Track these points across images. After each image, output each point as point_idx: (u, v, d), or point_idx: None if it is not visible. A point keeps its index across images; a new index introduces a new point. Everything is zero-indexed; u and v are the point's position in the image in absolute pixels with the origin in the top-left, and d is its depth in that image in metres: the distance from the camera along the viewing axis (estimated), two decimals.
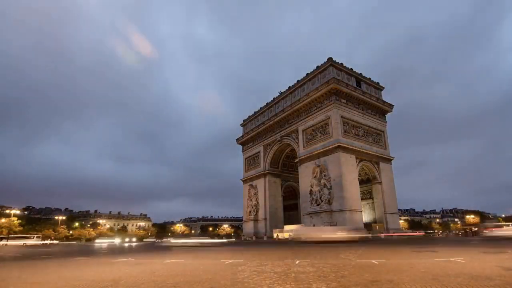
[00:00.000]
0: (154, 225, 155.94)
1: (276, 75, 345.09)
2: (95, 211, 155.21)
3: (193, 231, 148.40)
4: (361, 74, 62.90)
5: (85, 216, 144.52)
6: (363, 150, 56.51)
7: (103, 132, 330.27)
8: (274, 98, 75.14)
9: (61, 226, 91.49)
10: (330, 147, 53.81)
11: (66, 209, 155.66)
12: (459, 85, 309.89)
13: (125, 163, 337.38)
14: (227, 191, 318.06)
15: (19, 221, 77.73)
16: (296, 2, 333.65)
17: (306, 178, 58.27)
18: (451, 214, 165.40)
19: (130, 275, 9.67)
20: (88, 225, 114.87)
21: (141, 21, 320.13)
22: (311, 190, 56.09)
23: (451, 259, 12.52)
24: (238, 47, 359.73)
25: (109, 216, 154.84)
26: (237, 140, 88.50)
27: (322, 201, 53.25)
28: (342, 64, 59.76)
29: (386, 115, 65.51)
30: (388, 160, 61.55)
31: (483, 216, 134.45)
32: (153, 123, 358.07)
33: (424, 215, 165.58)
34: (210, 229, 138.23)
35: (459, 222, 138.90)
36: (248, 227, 76.52)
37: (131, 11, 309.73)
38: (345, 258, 13.58)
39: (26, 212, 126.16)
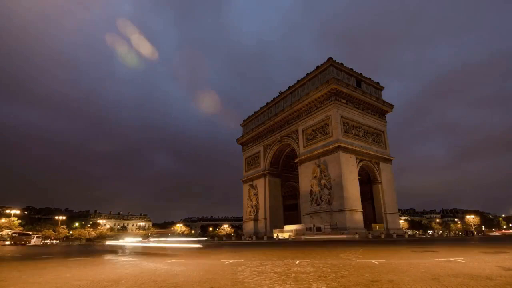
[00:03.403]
0: (154, 225, 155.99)
1: None
2: (95, 211, 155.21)
3: (193, 231, 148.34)
4: (361, 74, 62.91)
5: (85, 216, 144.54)
6: (363, 150, 56.52)
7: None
8: (274, 98, 75.13)
9: (61, 226, 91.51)
10: (330, 147, 53.81)
11: (66, 209, 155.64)
12: None
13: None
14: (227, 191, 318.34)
15: (19, 221, 77.81)
16: None
17: (306, 178, 58.27)
18: (451, 214, 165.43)
19: (131, 275, 9.67)
20: (88, 225, 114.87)
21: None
22: (311, 190, 56.09)
23: (451, 259, 12.52)
24: None
25: (109, 216, 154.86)
26: (237, 140, 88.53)
27: (322, 201, 53.26)
28: (342, 64, 59.77)
29: (386, 115, 65.55)
30: (388, 160, 61.57)
31: (483, 216, 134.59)
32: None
33: (424, 215, 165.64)
34: (210, 229, 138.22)
35: (459, 222, 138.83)
36: (248, 227, 76.52)
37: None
38: (345, 258, 13.59)
39: (26, 212, 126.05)
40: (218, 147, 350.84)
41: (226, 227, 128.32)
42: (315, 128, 59.12)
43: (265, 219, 71.37)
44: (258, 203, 74.92)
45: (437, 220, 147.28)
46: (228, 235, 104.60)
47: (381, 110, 63.98)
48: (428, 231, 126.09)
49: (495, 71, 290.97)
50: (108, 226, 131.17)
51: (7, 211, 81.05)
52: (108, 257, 19.26)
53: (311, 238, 45.33)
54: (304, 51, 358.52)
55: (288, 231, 56.90)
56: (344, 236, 43.19)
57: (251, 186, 77.92)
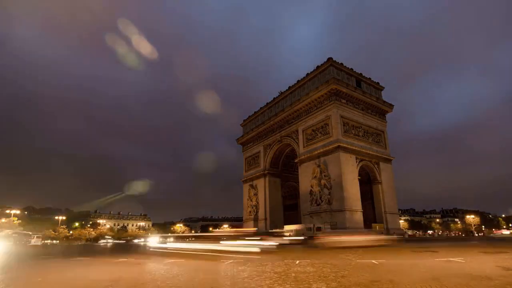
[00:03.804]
0: (154, 225, 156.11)
1: None
2: (95, 211, 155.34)
3: (193, 231, 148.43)
4: (361, 74, 62.88)
5: (85, 216, 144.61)
6: (363, 150, 56.50)
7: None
8: (274, 98, 75.14)
9: (61, 226, 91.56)
10: (330, 147, 53.81)
11: (66, 209, 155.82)
12: None
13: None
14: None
15: (19, 221, 77.90)
16: None
17: (306, 178, 58.28)
18: (451, 214, 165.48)
19: (130, 275, 9.67)
20: (88, 225, 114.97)
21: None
22: (311, 190, 56.10)
23: (451, 259, 12.53)
24: None
25: (109, 216, 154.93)
26: (237, 140, 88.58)
27: (322, 201, 53.27)
28: (342, 64, 59.77)
29: (386, 115, 65.58)
30: (388, 160, 61.56)
31: (483, 216, 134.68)
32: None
33: (424, 215, 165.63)
34: (210, 229, 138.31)
35: (459, 222, 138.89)
36: (248, 227, 76.56)
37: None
38: (345, 258, 13.59)
39: (26, 212, 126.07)
40: (218, 147, 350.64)
41: (226, 227, 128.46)
42: (315, 128, 59.12)
43: (265, 219, 71.43)
44: (258, 203, 74.95)
45: (437, 220, 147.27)
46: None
47: (381, 110, 63.98)
48: (428, 231, 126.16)
49: None
50: (108, 226, 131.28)
51: (7, 211, 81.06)
52: (108, 257, 19.20)
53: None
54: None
55: (288, 231, 56.83)
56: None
57: (251, 186, 77.97)
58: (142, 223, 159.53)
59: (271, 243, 21.84)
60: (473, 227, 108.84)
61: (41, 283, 8.30)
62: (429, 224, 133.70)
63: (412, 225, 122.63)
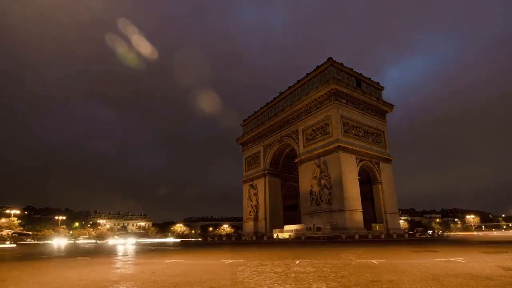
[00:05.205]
0: (154, 225, 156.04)
1: None
2: (95, 211, 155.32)
3: (193, 231, 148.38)
4: (361, 74, 62.89)
5: (85, 216, 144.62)
6: (363, 150, 56.51)
7: None
8: (274, 98, 75.13)
9: (61, 226, 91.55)
10: (330, 147, 53.80)
11: (66, 209, 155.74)
12: None
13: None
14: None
15: (19, 221, 77.89)
16: None
17: (306, 178, 58.28)
18: (451, 214, 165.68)
19: (130, 275, 9.67)
20: (88, 225, 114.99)
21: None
22: (311, 190, 56.09)
23: (451, 259, 12.52)
24: None
25: (109, 216, 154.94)
26: (237, 140, 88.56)
27: (322, 201, 53.26)
28: (342, 64, 59.76)
29: (386, 115, 65.55)
30: (388, 160, 61.57)
31: (483, 216, 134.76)
32: None
33: (424, 215, 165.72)
34: (210, 229, 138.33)
35: (459, 222, 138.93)
36: (248, 227, 76.54)
37: None
38: (345, 258, 13.59)
39: (26, 212, 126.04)
40: (218, 146, 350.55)
41: (226, 227, 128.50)
42: (315, 128, 59.11)
43: (265, 219, 71.39)
44: (258, 203, 74.92)
45: (437, 220, 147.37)
46: (228, 235, 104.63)
47: (381, 110, 63.99)
48: (428, 231, 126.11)
49: None
50: (108, 226, 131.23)
51: (7, 211, 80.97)
52: (108, 257, 19.22)
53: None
54: None
55: (288, 231, 56.87)
56: None
57: (251, 186, 77.94)
58: (142, 223, 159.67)
59: None
60: (473, 227, 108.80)
61: (39, 283, 8.29)
62: (429, 224, 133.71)
63: (412, 225, 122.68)
